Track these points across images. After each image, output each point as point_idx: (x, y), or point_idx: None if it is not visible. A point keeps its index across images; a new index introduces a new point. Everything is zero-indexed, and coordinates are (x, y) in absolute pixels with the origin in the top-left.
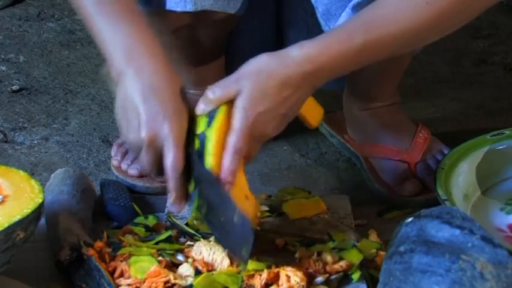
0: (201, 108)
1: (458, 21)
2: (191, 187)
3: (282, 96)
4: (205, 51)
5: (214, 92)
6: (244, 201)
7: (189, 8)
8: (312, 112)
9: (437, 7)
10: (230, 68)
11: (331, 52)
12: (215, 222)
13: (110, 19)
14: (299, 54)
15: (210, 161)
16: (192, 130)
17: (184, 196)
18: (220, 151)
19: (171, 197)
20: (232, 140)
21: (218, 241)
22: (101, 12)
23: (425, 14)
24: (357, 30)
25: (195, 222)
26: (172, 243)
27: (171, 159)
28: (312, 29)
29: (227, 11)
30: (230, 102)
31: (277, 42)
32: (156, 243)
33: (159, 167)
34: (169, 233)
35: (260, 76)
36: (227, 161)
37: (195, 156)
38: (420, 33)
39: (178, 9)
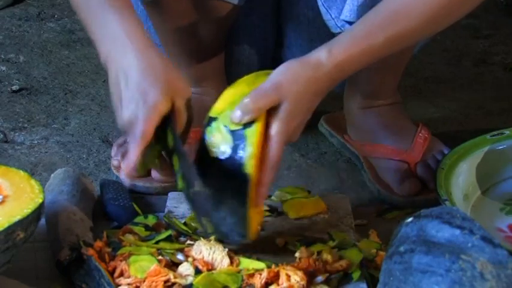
0: (238, 115)
1: (471, 3)
2: (175, 165)
3: (313, 105)
4: (205, 47)
5: (256, 102)
6: (256, 216)
7: None
8: None
9: None
10: (230, 63)
11: (356, 54)
12: (189, 196)
13: (99, 10)
14: (329, 62)
15: (251, 164)
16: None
17: (141, 168)
18: (258, 156)
19: (124, 165)
20: (273, 154)
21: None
22: (92, 4)
23: (438, 2)
24: (378, 29)
25: (192, 224)
26: (172, 243)
27: (140, 128)
28: (312, 22)
29: (229, 0)
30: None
31: (277, 37)
32: (156, 243)
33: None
34: (169, 232)
35: (298, 86)
36: (267, 176)
37: (174, 134)
38: (436, 21)
39: None
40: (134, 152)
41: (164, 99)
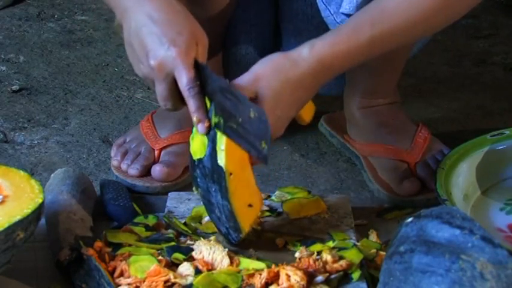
0: None
1: (463, 7)
2: (207, 104)
3: (295, 98)
4: None
5: None
6: (246, 209)
7: None
8: (306, 108)
9: None
10: (227, 63)
11: (341, 51)
12: (233, 128)
13: None
14: (311, 56)
15: (222, 156)
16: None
17: (206, 114)
18: (233, 149)
19: (194, 119)
20: None
21: (239, 143)
22: None
23: (428, 3)
24: (364, 26)
25: (192, 224)
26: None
27: (185, 78)
28: (312, 20)
29: None
30: None
31: (274, 36)
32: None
33: (175, 97)
34: (172, 232)
35: (276, 79)
36: None
37: (207, 70)
38: (425, 22)
39: None
40: (195, 103)
41: (192, 46)
